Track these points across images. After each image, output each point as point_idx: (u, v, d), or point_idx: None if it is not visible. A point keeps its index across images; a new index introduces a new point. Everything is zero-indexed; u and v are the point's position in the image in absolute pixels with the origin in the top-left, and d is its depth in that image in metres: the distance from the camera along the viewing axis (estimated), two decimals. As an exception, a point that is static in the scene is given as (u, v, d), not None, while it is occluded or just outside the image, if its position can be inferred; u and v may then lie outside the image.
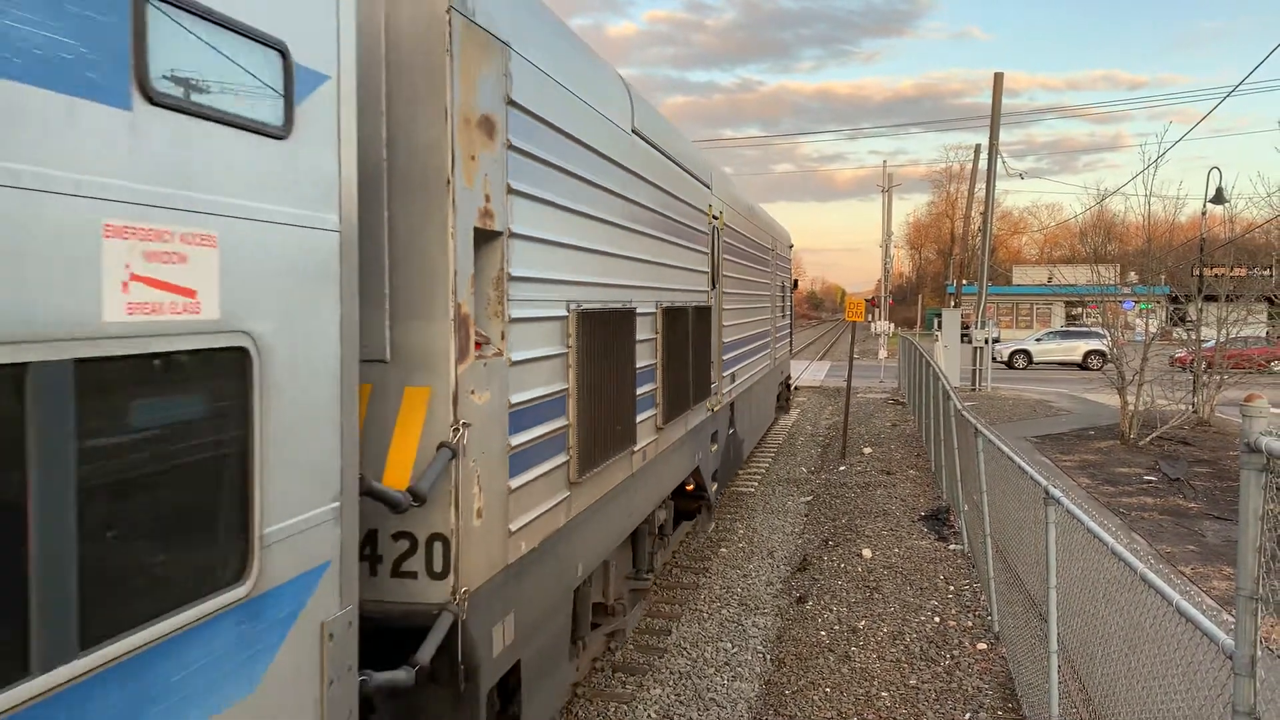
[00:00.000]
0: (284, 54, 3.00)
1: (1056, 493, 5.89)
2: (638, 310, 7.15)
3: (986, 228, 32.29)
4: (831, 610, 9.29)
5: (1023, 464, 6.95)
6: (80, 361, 2.25)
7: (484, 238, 4.38)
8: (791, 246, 22.53)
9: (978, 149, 42.62)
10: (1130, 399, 19.56)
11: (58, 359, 2.19)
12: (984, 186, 32.58)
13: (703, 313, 9.92)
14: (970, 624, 8.86)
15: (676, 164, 8.72)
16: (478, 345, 4.34)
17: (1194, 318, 22.56)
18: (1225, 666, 3.41)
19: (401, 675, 3.71)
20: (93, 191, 2.31)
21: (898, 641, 8.47)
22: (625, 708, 7.19)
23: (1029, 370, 40.69)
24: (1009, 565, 7.99)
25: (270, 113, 2.95)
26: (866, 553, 11.21)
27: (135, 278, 2.43)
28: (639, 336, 7.17)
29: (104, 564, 2.37)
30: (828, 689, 7.54)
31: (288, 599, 3.08)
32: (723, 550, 11.49)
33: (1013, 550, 7.80)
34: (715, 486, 11.33)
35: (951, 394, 12.73)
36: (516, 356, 4.76)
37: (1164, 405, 19.70)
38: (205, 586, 2.72)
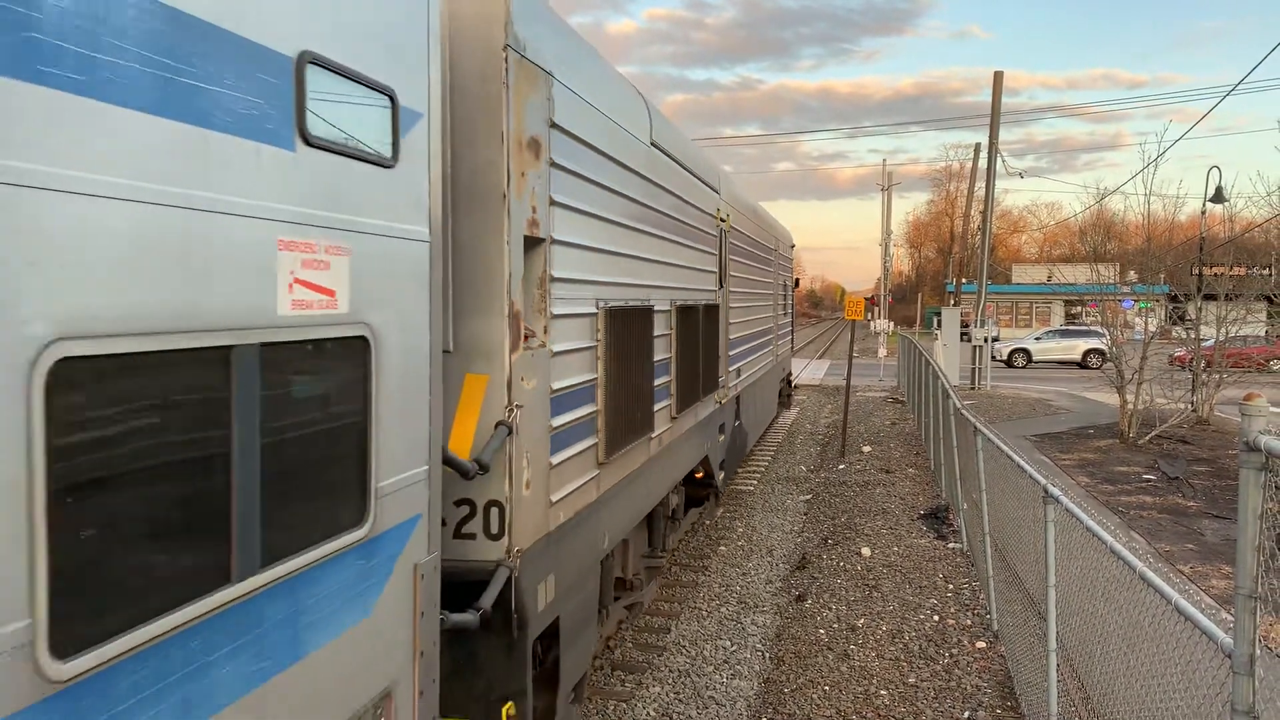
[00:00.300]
0: (393, 98, 3.60)
1: (1056, 491, 5.90)
2: (655, 308, 7.71)
3: (986, 226, 32.29)
4: (830, 609, 9.30)
5: (1022, 463, 6.96)
6: (263, 345, 2.87)
7: (531, 244, 4.98)
8: (793, 246, 22.74)
9: (977, 148, 42.66)
10: (1129, 398, 19.57)
11: (249, 343, 2.80)
12: (984, 185, 32.59)
13: (711, 310, 10.47)
14: (969, 622, 8.87)
15: (688, 171, 9.28)
16: (526, 338, 4.94)
17: (1193, 317, 22.57)
18: (1224, 665, 3.42)
19: (469, 617, 4.33)
20: (270, 215, 2.92)
21: (897, 640, 8.48)
22: (625, 705, 7.20)
23: (1028, 369, 40.70)
24: (1008, 564, 7.99)
25: (384, 146, 3.57)
26: (866, 551, 11.21)
27: (297, 281, 3.05)
28: (656, 332, 7.73)
29: (275, 501, 2.94)
30: (827, 687, 7.55)
31: (392, 542, 3.67)
32: (722, 548, 11.50)
33: (1012, 549, 7.80)
34: (722, 475, 11.86)
35: (951, 392, 12.73)
36: (557, 348, 5.38)
37: (1163, 404, 19.71)
38: (338, 526, 3.32)
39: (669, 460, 8.58)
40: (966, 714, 7.05)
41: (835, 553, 11.22)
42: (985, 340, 30.97)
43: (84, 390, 2.26)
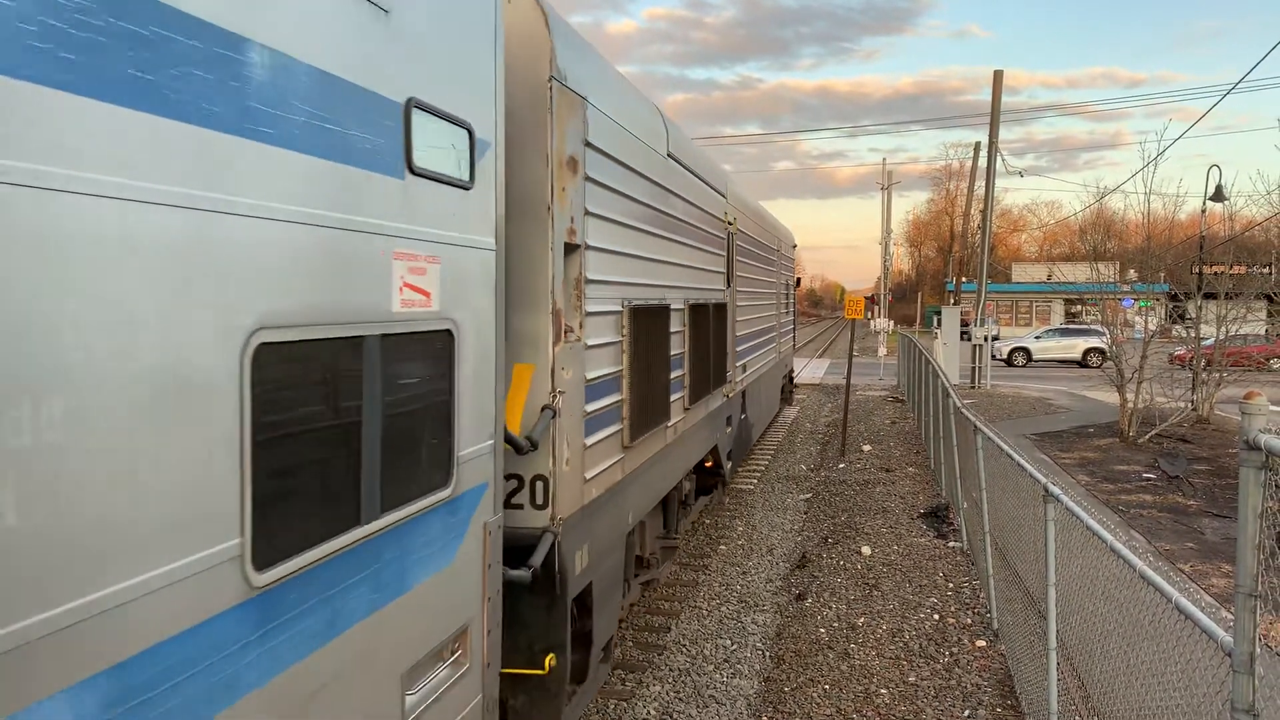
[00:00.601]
0: (470, 131, 4.23)
1: (1056, 490, 5.90)
2: (671, 306, 8.32)
3: (986, 225, 32.28)
4: (831, 607, 9.30)
5: (1022, 461, 6.96)
6: (383, 336, 3.53)
7: (569, 250, 5.60)
8: (795, 247, 22.95)
9: (977, 146, 42.65)
10: (1129, 397, 19.56)
11: (374, 334, 3.47)
12: (983, 184, 32.58)
13: (720, 309, 11.04)
14: (969, 621, 8.87)
15: (700, 178, 9.90)
16: (566, 332, 5.54)
17: (1193, 315, 22.57)
18: (1224, 664, 3.42)
19: (523, 573, 4.97)
20: (387, 232, 3.56)
21: (897, 639, 8.48)
22: (625, 705, 7.20)
23: (1028, 368, 40.69)
24: (1008, 563, 7.99)
25: (463, 172, 4.19)
26: (866, 550, 11.21)
27: (405, 285, 3.70)
28: (672, 329, 8.35)
29: (389, 460, 3.58)
30: (827, 686, 7.55)
31: (468, 503, 4.33)
32: (722, 548, 11.50)
33: (1012, 548, 7.80)
34: (730, 464, 12.54)
35: (951, 391, 12.73)
36: (590, 342, 5.99)
37: (1163, 403, 19.70)
38: (431, 485, 3.95)
39: (683, 448, 9.19)
40: (967, 713, 7.05)
41: (835, 551, 11.22)
42: (985, 339, 30.97)
43: (274, 367, 2.89)
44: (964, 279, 45.01)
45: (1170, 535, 12.02)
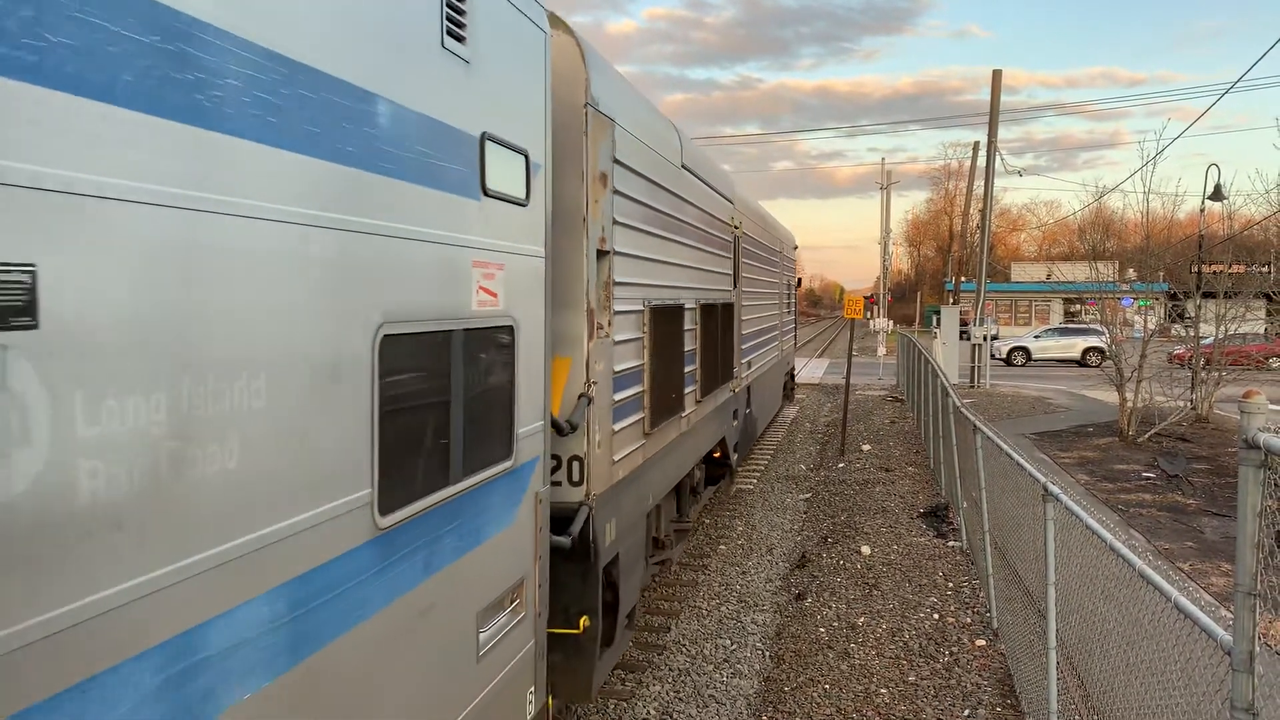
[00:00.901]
0: (526, 156, 4.84)
1: (1055, 490, 5.90)
2: (685, 306, 8.95)
3: (985, 225, 32.29)
4: (830, 607, 9.30)
5: (1021, 461, 6.96)
6: (465, 330, 4.17)
7: (600, 255, 6.22)
8: (796, 248, 23.25)
9: (976, 146, 42.64)
10: (1129, 396, 19.57)
11: (459, 328, 4.12)
12: (982, 183, 32.59)
13: (727, 309, 11.74)
14: (969, 621, 8.87)
15: (710, 187, 10.55)
16: (598, 329, 6.16)
17: (1192, 314, 22.57)
18: (1223, 662, 3.42)
19: (564, 539, 5.65)
20: (469, 244, 4.20)
21: (897, 638, 8.48)
22: (625, 705, 7.20)
23: (1028, 367, 40.71)
24: (1008, 562, 8.00)
25: (521, 191, 4.81)
26: (865, 550, 11.21)
27: (480, 288, 4.34)
28: (685, 326, 9.01)
29: (469, 433, 4.25)
30: (827, 686, 7.55)
31: (525, 475, 4.97)
32: (722, 548, 11.50)
33: (1011, 547, 7.81)
34: (736, 456, 13.22)
35: (950, 391, 12.73)
36: (617, 338, 6.63)
37: (1162, 402, 19.71)
38: (498, 456, 4.59)
39: (695, 438, 9.85)
40: (966, 712, 7.06)
41: (835, 551, 11.22)
42: (984, 338, 30.98)
43: (394, 354, 3.54)
44: (963, 278, 45.04)
45: (1170, 534, 12.03)
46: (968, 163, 53.79)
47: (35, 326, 2.04)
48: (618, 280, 6.54)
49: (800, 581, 10.22)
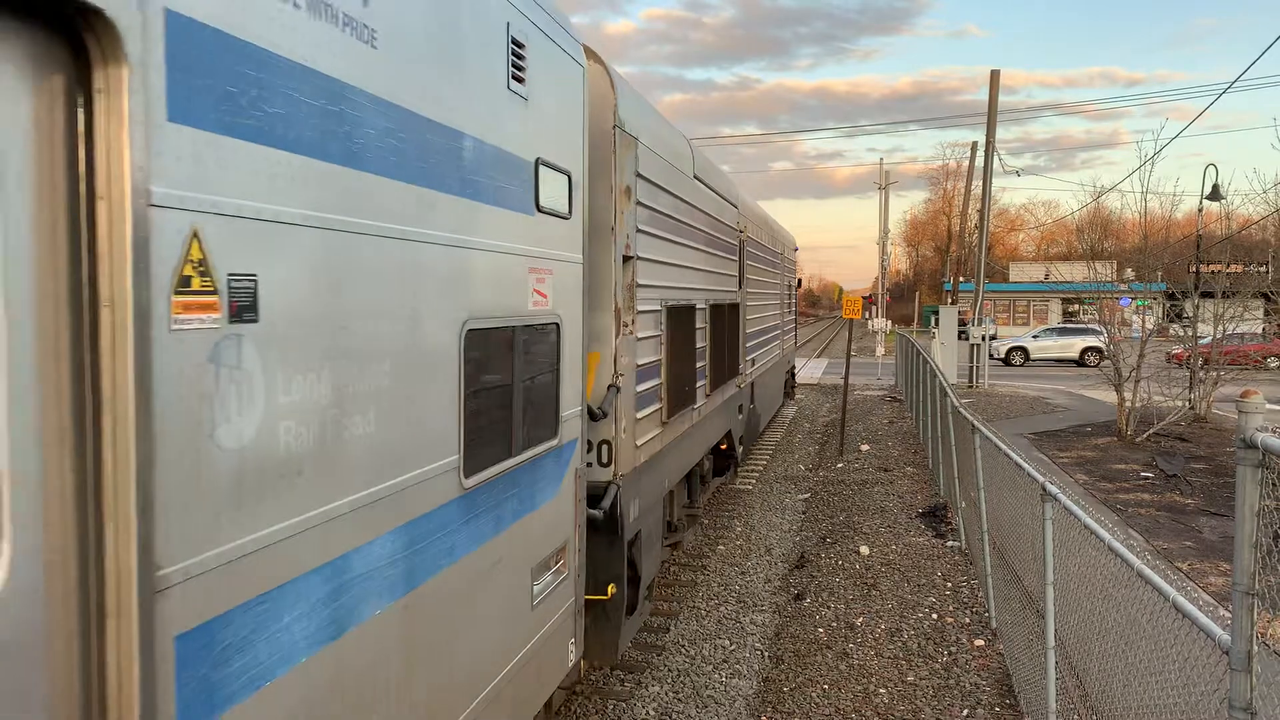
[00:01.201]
0: (569, 175, 5.50)
1: (1054, 489, 5.90)
2: (696, 306, 9.61)
3: (983, 225, 32.31)
4: (829, 607, 9.30)
5: (1020, 460, 6.96)
6: (523, 326, 4.80)
7: (625, 261, 6.90)
8: (796, 250, 23.61)
9: (974, 146, 42.63)
10: (1127, 396, 19.58)
11: (518, 325, 4.74)
12: (980, 183, 32.60)
13: (734, 309, 12.39)
14: (968, 620, 8.87)
15: (718, 194, 11.23)
16: (623, 327, 6.82)
17: (1190, 314, 22.59)
18: (1221, 662, 3.42)
19: (597, 512, 6.35)
20: (525, 254, 4.83)
21: (895, 638, 8.48)
22: (624, 705, 7.20)
23: (1026, 367, 40.73)
24: (1006, 562, 8.00)
25: (564, 207, 5.44)
26: (864, 550, 11.22)
27: (534, 290, 4.97)
28: (697, 325, 9.67)
29: (526, 414, 4.87)
30: (826, 686, 7.55)
31: (567, 453, 5.61)
32: (720, 548, 11.50)
33: (1010, 547, 7.81)
34: (741, 448, 14.00)
35: (948, 391, 12.74)
36: (640, 335, 7.28)
37: (1161, 402, 19.72)
38: (546, 435, 5.22)
39: (705, 429, 10.52)
40: (965, 712, 7.06)
41: (834, 551, 11.22)
42: (983, 338, 30.99)
43: (474, 346, 4.22)
44: (961, 278, 45.05)
45: (1168, 534, 12.03)
46: (966, 163, 53.84)
47: (256, 321, 2.72)
48: (640, 283, 7.20)
49: (799, 582, 10.22)
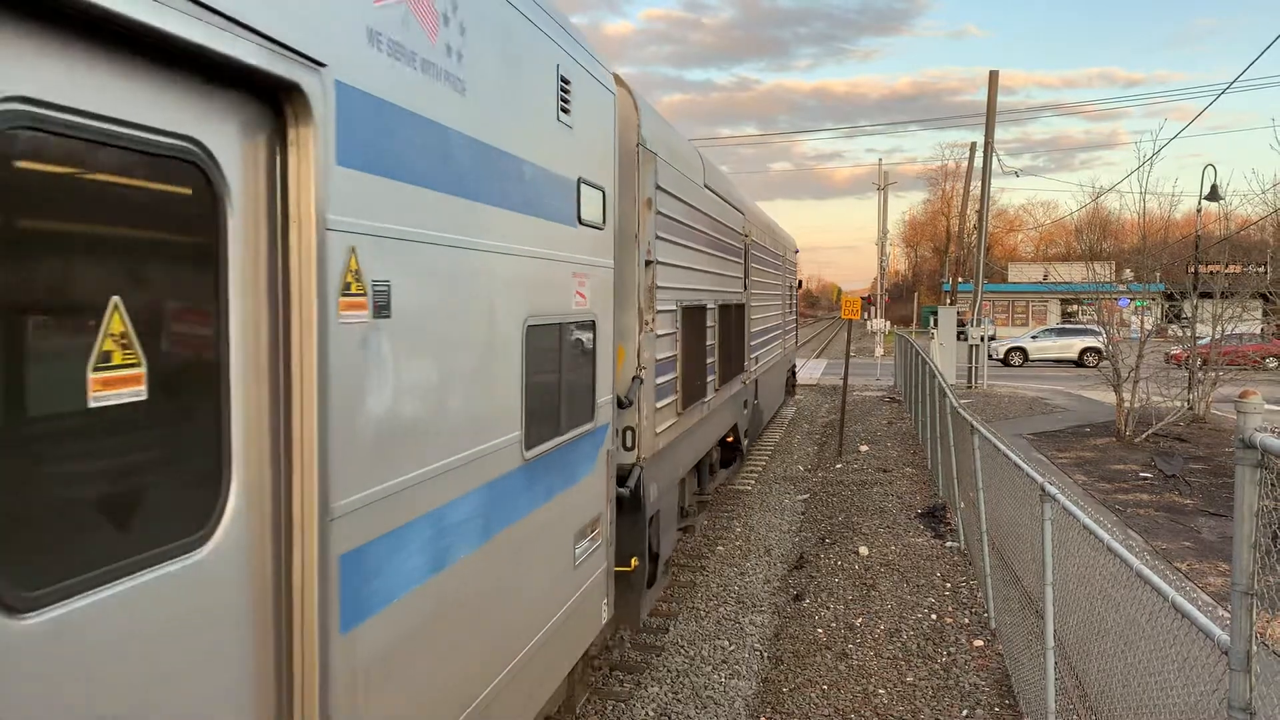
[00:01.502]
0: (604, 191, 6.14)
1: (1053, 490, 5.90)
2: (706, 306, 10.29)
3: (982, 225, 32.32)
4: (829, 608, 9.30)
5: (1019, 461, 6.96)
6: (568, 323, 5.44)
7: (646, 265, 7.56)
8: (797, 252, 24.06)
9: (973, 147, 42.65)
10: (1126, 396, 19.59)
11: (565, 321, 5.37)
12: (979, 184, 32.61)
13: (739, 309, 13.08)
14: (967, 621, 8.88)
15: (725, 201, 11.94)
16: (645, 325, 7.47)
17: (1189, 314, 22.60)
18: (1221, 662, 3.43)
19: (624, 490, 7.02)
20: (570, 260, 5.47)
21: (895, 639, 8.49)
22: (623, 706, 7.20)
23: (1025, 367, 40.75)
24: (1005, 562, 8.00)
25: (600, 219, 6.07)
26: (863, 550, 11.22)
27: (576, 293, 5.59)
28: (707, 324, 10.36)
29: (568, 399, 5.50)
30: (825, 686, 7.56)
31: (600, 434, 6.21)
32: (720, 548, 11.50)
33: (1009, 547, 7.81)
34: (746, 441, 14.77)
35: (947, 391, 12.74)
36: (659, 332, 7.94)
37: (1160, 402, 19.73)
38: (584, 418, 5.81)
39: (714, 422, 11.20)
40: (965, 712, 7.06)
41: (833, 552, 11.23)
42: (982, 339, 31.00)
43: (532, 339, 4.82)
44: (960, 279, 45.07)
45: (1167, 534, 12.04)
46: (965, 163, 53.83)
47: (390, 317, 3.38)
48: (659, 285, 7.88)
49: (798, 582, 10.22)
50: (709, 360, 10.47)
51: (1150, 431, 18.97)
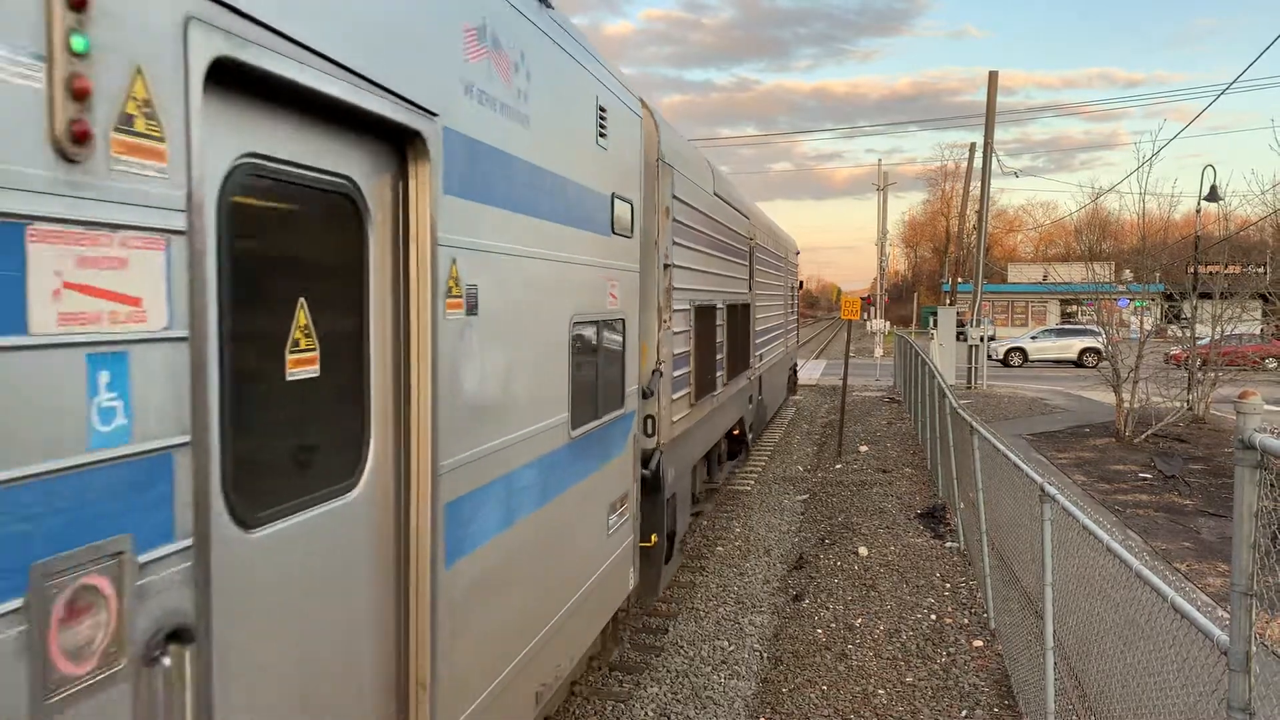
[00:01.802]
0: (632, 204, 6.90)
1: (1052, 490, 5.90)
2: (715, 305, 11.09)
3: (982, 226, 32.32)
4: (828, 608, 9.30)
5: (1018, 461, 6.96)
6: (604, 321, 6.18)
7: (664, 268, 8.26)
8: (798, 253, 24.48)
9: (973, 147, 42.62)
10: (1125, 396, 19.59)
11: (601, 319, 6.13)
12: (979, 185, 32.61)
13: (745, 308, 13.84)
14: (966, 621, 8.88)
15: (732, 206, 12.70)
16: (663, 323, 8.18)
17: (1189, 315, 22.60)
18: (1220, 662, 3.42)
19: (646, 471, 7.68)
20: (604, 265, 6.14)
21: (894, 639, 8.49)
22: (622, 706, 7.19)
23: (1024, 368, 40.76)
24: (1005, 562, 8.00)
25: (629, 229, 6.81)
26: (863, 551, 11.22)
27: (610, 294, 6.32)
28: (716, 322, 11.12)
29: (603, 387, 6.20)
30: (824, 687, 7.56)
31: (629, 420, 7.00)
32: (719, 549, 11.50)
33: (1009, 548, 7.81)
34: (751, 435, 15.72)
35: (947, 392, 12.74)
36: (675, 330, 8.67)
37: (1159, 402, 19.73)
38: (616, 404, 6.57)
39: (722, 414, 11.99)
40: (964, 713, 7.06)
41: (832, 552, 11.23)
42: (981, 339, 31.00)
43: (577, 335, 5.56)
44: (960, 279, 45.06)
45: (1166, 534, 12.04)
46: (964, 164, 53.81)
47: (477, 314, 4.11)
48: (675, 286, 8.60)
49: (798, 583, 10.22)
50: (718, 356, 11.20)
51: (1150, 432, 18.97)
